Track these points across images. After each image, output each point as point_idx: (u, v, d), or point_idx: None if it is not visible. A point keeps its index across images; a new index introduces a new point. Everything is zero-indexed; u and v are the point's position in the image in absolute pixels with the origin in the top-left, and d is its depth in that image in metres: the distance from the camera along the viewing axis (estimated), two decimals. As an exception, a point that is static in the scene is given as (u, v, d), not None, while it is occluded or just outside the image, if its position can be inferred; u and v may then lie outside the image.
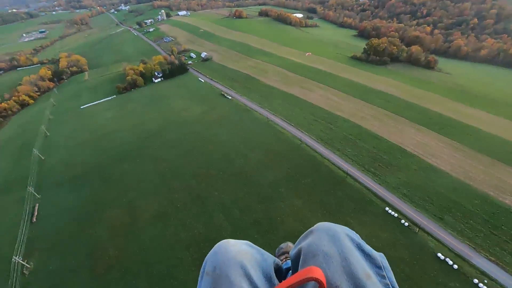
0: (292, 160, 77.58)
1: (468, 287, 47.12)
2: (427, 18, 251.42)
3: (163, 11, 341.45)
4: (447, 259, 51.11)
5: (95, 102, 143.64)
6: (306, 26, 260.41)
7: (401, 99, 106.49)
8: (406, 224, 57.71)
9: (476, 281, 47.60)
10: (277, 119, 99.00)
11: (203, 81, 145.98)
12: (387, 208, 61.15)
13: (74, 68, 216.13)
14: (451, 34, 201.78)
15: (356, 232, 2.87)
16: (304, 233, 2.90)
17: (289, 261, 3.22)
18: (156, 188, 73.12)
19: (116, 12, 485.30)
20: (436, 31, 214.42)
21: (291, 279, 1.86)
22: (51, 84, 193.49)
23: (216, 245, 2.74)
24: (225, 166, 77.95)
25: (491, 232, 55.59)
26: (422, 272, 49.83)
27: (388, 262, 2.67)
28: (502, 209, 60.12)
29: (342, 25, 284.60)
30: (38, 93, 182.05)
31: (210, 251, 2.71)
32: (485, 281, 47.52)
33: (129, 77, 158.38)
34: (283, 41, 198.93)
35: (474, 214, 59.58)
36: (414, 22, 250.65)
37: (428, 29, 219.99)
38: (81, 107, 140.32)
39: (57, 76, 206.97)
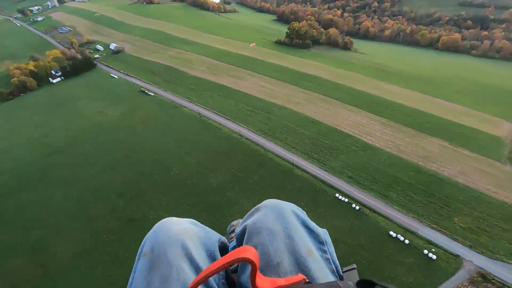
0: (235, 157, 70.94)
1: (422, 259, 49.01)
2: (336, 2, 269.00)
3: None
4: (399, 236, 52.47)
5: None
6: (225, 11, 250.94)
7: (329, 81, 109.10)
8: (357, 208, 57.66)
9: (426, 251, 49.82)
10: (210, 114, 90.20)
11: (116, 77, 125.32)
12: (337, 195, 60.27)
13: None
14: (358, 17, 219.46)
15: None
16: (251, 210, 2.84)
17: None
18: (72, 219, 57.74)
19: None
20: (345, 14, 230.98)
21: (222, 259, 1.78)
22: None
23: (157, 223, 2.51)
24: (159, 176, 66.60)
25: (428, 201, 59.58)
26: (380, 254, 50.05)
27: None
28: (432, 177, 65.32)
29: (260, 9, 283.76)
30: None
31: (151, 230, 2.48)
32: (433, 250, 50.14)
33: (15, 79, 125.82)
34: (204, 27, 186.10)
35: (411, 186, 63.23)
36: (326, 6, 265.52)
37: (339, 12, 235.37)
38: None
39: None
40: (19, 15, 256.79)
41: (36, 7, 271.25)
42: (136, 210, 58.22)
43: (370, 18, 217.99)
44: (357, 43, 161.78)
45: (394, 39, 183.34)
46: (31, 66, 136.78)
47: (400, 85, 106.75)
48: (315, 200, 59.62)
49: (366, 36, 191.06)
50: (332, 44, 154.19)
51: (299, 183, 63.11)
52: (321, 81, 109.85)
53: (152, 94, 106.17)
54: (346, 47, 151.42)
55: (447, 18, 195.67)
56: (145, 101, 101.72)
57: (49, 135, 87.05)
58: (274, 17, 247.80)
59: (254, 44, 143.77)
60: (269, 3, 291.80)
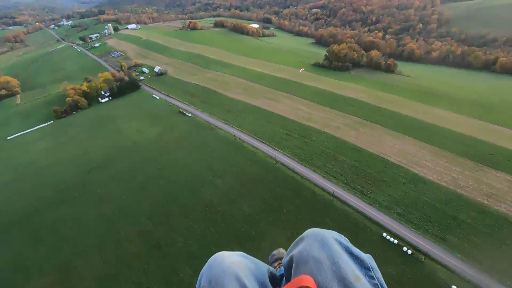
0: (269, 184, 66.66)
1: (496, 328, 39.32)
2: (377, 24, 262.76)
3: (109, 25, 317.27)
4: (464, 292, 43.30)
5: (26, 131, 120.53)
6: (264, 35, 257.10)
7: (371, 105, 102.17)
8: (410, 252, 49.43)
9: (502, 317, 40.09)
10: (245, 136, 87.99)
11: (158, 97, 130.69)
12: (384, 234, 52.64)
13: (3, 92, 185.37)
14: (401, 39, 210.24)
15: None
16: (295, 240, 3.02)
17: (282, 268, 3.29)
18: (101, 240, 57.04)
19: (56, 28, 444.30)
20: (387, 36, 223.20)
21: None
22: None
23: (211, 258, 2.78)
24: (188, 200, 64.43)
25: (499, 250, 49.37)
26: (441, 314, 41.28)
27: None
28: (501, 220, 54.82)
29: (298, 33, 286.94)
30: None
31: (205, 264, 2.73)
32: (512, 316, 40.23)
33: (69, 99, 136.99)
34: (242, 51, 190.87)
35: (475, 229, 53.41)
36: (366, 29, 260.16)
37: (380, 34, 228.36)
38: (8, 138, 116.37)
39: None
40: (81, 42, 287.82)
41: (95, 35, 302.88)
42: (163, 235, 55.83)
43: (415, 39, 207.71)
44: (401, 66, 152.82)
45: (442, 61, 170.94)
46: (84, 86, 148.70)
47: (453, 110, 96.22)
48: (358, 238, 52.49)
49: (410, 58, 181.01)
50: (374, 66, 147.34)
51: (339, 217, 56.57)
52: (362, 104, 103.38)
53: (190, 115, 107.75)
54: (389, 69, 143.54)
55: (505, 38, 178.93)
56: (182, 121, 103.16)
57: (91, 152, 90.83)
58: (312, 40, 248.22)
59: (303, 69, 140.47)
60: (307, 27, 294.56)
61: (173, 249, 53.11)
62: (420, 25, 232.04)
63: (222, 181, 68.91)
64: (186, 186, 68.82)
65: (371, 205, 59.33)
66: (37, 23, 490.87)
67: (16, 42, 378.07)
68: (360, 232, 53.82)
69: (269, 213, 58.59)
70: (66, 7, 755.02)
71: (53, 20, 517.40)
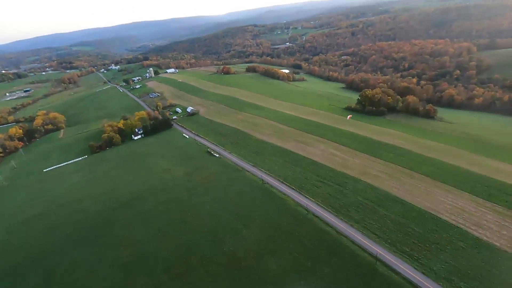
0: (300, 238, 58.95)
1: None
2: (410, 70, 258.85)
3: (151, 69, 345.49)
4: None
5: (62, 164, 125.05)
6: (294, 80, 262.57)
7: (413, 153, 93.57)
8: None
9: None
10: (274, 181, 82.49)
11: (188, 137, 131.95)
12: (447, 317, 41.91)
13: (50, 126, 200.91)
14: (438, 85, 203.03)
15: None
16: None
17: None
18: (113, 291, 51.66)
19: (106, 71, 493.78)
20: (422, 82, 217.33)
21: None
22: (20, 144, 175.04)
23: None
24: (210, 251, 58.15)
25: None
26: None
27: None
28: None
29: (328, 78, 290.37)
30: (2, 154, 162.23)
31: None
32: None
33: (105, 135, 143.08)
34: (273, 94, 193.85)
35: None
36: (398, 75, 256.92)
37: (414, 80, 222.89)
38: (45, 170, 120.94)
39: (29, 135, 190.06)
40: (124, 84, 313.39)
41: (137, 78, 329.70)
42: (179, 293, 49.26)
43: (453, 85, 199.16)
44: (441, 112, 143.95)
45: (487, 108, 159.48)
46: (120, 124, 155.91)
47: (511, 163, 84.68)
48: (412, 319, 42.11)
49: (450, 104, 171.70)
50: (411, 112, 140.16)
51: (385, 287, 46.76)
52: (402, 152, 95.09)
53: (217, 155, 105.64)
54: (428, 115, 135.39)
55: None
56: (210, 162, 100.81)
57: (118, 189, 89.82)
58: (343, 85, 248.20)
59: (350, 116, 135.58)
60: (337, 73, 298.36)
61: (188, 311, 46.06)
62: (458, 72, 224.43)
63: (248, 232, 62.37)
64: (209, 234, 63.09)
65: (424, 274, 48.99)
66: (90, 67, 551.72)
67: (70, 83, 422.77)
68: (415, 311, 43.48)
69: (301, 274, 50.25)
70: (117, 54, 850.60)
71: (104, 65, 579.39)
